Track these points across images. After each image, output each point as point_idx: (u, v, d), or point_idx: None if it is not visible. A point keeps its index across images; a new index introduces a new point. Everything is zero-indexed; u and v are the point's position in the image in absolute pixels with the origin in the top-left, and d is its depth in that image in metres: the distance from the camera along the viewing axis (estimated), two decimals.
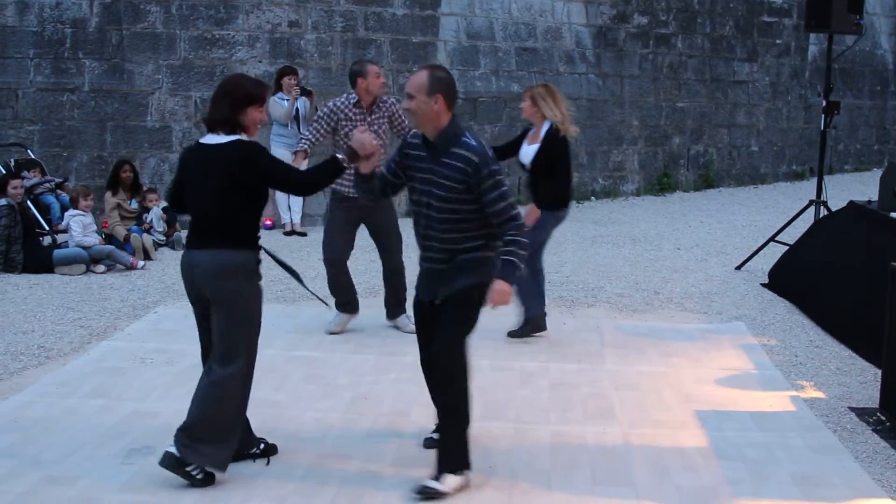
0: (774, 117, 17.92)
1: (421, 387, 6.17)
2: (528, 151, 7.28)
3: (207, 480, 4.73)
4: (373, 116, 7.40)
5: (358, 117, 7.37)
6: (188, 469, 4.70)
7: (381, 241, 7.59)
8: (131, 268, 9.80)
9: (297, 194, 5.71)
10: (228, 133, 4.71)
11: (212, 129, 4.77)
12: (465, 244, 4.76)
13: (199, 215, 4.82)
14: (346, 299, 7.60)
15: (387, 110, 7.49)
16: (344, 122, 7.38)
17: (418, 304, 5.01)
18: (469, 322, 4.79)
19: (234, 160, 4.66)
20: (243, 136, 4.73)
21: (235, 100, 4.73)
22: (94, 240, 10.11)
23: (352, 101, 7.40)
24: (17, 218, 9.72)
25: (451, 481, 4.68)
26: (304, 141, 7.74)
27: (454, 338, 4.73)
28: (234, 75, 5.22)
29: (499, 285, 4.66)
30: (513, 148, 7.45)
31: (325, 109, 7.52)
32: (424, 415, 5.71)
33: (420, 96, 4.71)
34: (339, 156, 4.89)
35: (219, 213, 4.72)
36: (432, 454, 4.86)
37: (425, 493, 4.64)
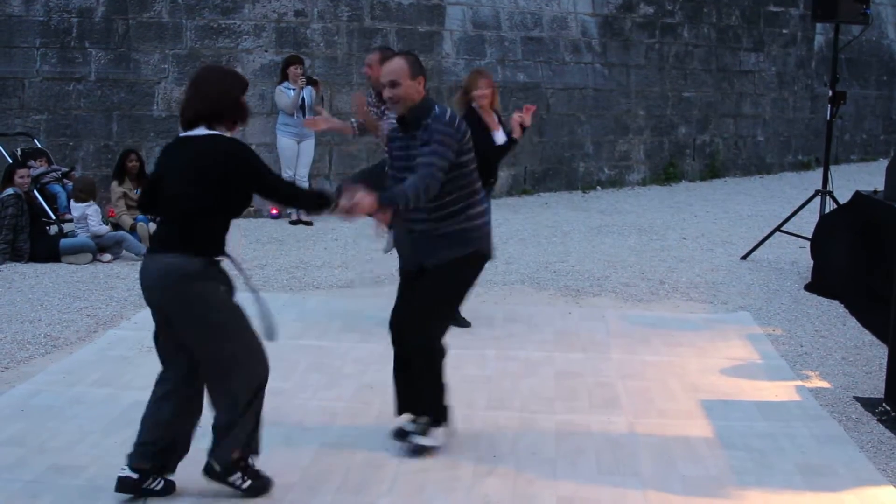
0: (780, 107, 17.88)
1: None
2: (500, 135, 7.45)
3: (252, 491, 4.53)
4: (382, 107, 7.38)
5: (373, 106, 7.39)
6: (231, 480, 4.52)
7: None
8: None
9: (277, 202, 5.28)
10: (208, 128, 4.41)
11: (190, 126, 4.46)
12: (447, 209, 4.92)
13: (166, 214, 4.52)
14: None
15: None
16: (371, 109, 7.45)
17: (403, 272, 5.26)
18: (452, 292, 5.06)
19: (216, 153, 4.33)
20: (224, 132, 4.45)
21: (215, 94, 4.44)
22: (107, 228, 10.15)
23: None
24: (23, 207, 9.74)
25: (438, 434, 5.03)
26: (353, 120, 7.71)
27: (427, 312, 5.02)
28: (205, 68, 4.94)
29: (369, 198, 4.59)
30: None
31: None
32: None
33: (406, 81, 4.90)
34: (328, 194, 4.69)
35: (186, 211, 4.34)
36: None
37: (418, 451, 4.98)
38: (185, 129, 4.48)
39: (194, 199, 4.31)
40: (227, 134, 4.46)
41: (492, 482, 4.72)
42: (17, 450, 5.00)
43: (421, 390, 5.05)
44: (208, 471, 4.53)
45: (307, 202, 4.90)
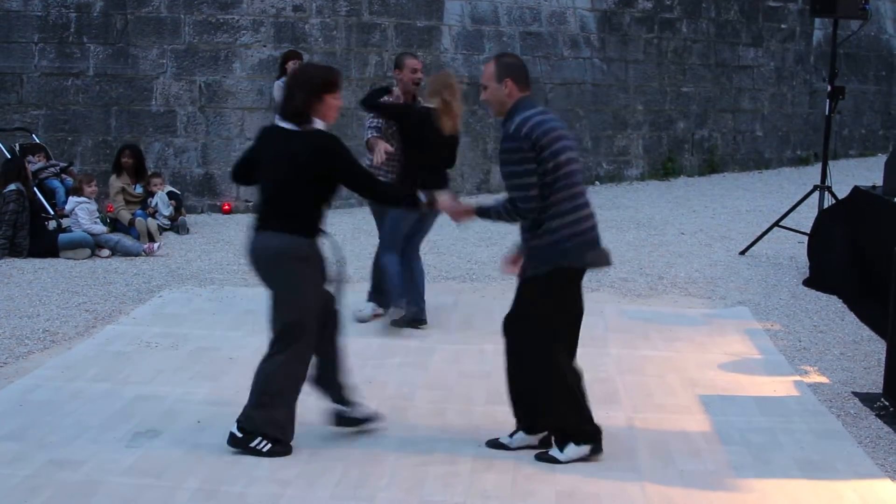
0: (779, 102, 17.88)
1: (425, 370, 6.20)
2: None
3: (275, 452, 4.88)
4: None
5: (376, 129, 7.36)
6: (253, 445, 4.87)
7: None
8: (148, 254, 9.75)
9: (370, 198, 5.79)
10: (302, 123, 4.79)
11: (287, 119, 4.85)
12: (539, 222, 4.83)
13: (263, 198, 4.96)
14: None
15: None
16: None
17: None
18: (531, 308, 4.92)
19: (310, 150, 4.77)
20: (320, 126, 4.84)
21: (310, 90, 4.80)
22: (101, 228, 10.14)
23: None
24: (25, 204, 9.74)
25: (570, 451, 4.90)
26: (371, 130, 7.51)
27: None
28: (304, 65, 5.31)
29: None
30: None
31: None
32: (429, 398, 5.73)
33: (491, 84, 4.86)
34: (422, 198, 5.14)
35: (282, 198, 4.86)
36: (434, 437, 4.88)
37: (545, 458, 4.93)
38: (286, 120, 4.87)
39: (294, 189, 4.80)
40: (324, 127, 4.87)
41: (491, 477, 4.72)
42: (15, 445, 5.00)
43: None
44: (232, 437, 4.91)
45: (396, 202, 5.50)
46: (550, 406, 4.90)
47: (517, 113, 4.78)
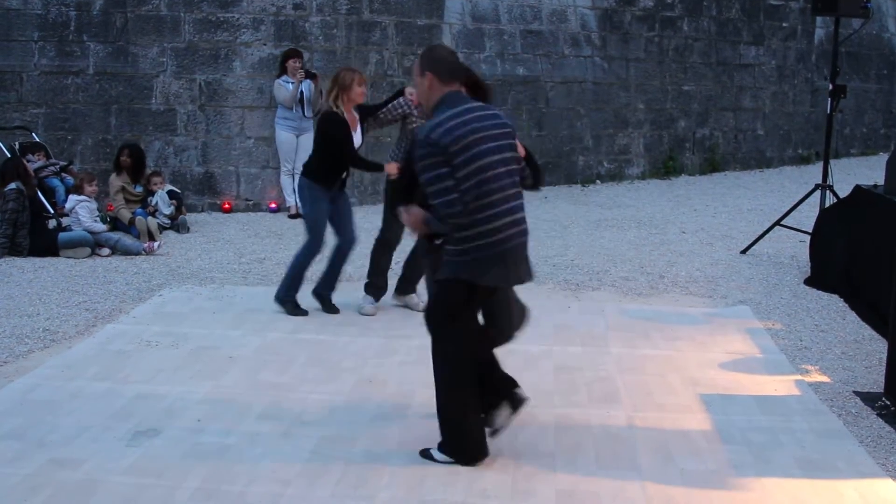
0: (780, 101, 17.86)
1: (426, 369, 6.19)
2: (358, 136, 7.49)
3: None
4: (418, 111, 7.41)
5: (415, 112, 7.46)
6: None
7: None
8: (148, 253, 9.74)
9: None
10: None
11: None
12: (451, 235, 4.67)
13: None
14: (381, 283, 7.74)
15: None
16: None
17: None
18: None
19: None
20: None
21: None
22: (102, 226, 10.14)
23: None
24: (25, 203, 9.73)
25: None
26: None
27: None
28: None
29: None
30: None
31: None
32: (429, 396, 5.71)
33: (416, 78, 4.75)
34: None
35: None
36: (434, 435, 4.88)
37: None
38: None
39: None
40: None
41: (491, 476, 4.72)
42: (15, 444, 5.00)
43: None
44: None
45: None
46: (439, 408, 4.83)
47: (438, 112, 4.59)
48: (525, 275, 4.74)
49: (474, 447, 4.83)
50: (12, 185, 9.73)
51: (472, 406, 4.80)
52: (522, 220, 4.68)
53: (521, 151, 4.86)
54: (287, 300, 7.55)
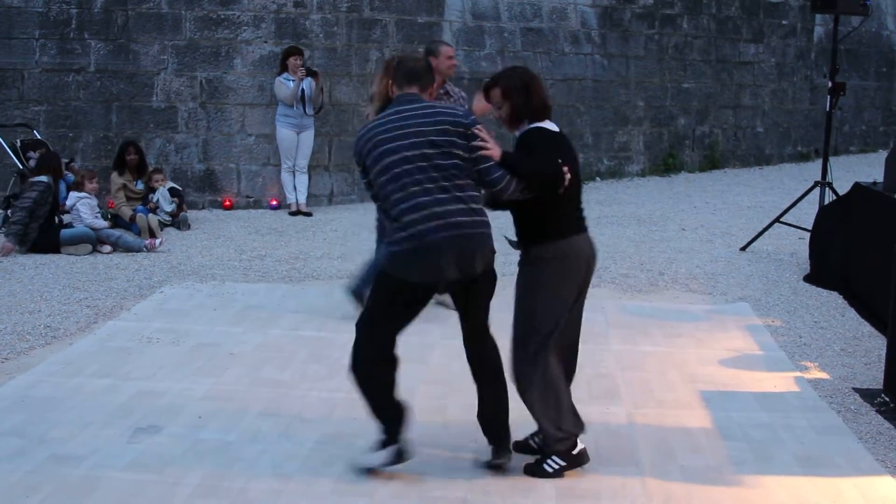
0: (780, 98, 17.87)
1: (426, 366, 6.20)
2: None
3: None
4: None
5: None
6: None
7: None
8: (149, 250, 9.74)
9: None
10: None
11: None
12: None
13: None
14: None
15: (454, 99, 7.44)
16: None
17: None
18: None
19: None
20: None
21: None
22: (103, 223, 10.16)
23: None
24: (48, 199, 9.74)
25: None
26: None
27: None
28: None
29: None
30: None
31: None
32: (429, 394, 5.73)
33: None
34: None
35: None
36: (435, 432, 4.88)
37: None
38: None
39: None
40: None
41: (491, 472, 4.72)
42: (16, 440, 5.00)
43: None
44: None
45: None
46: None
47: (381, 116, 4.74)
48: (469, 268, 4.61)
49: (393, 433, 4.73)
50: (43, 178, 9.75)
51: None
52: (448, 214, 4.50)
53: (494, 153, 4.66)
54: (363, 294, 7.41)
